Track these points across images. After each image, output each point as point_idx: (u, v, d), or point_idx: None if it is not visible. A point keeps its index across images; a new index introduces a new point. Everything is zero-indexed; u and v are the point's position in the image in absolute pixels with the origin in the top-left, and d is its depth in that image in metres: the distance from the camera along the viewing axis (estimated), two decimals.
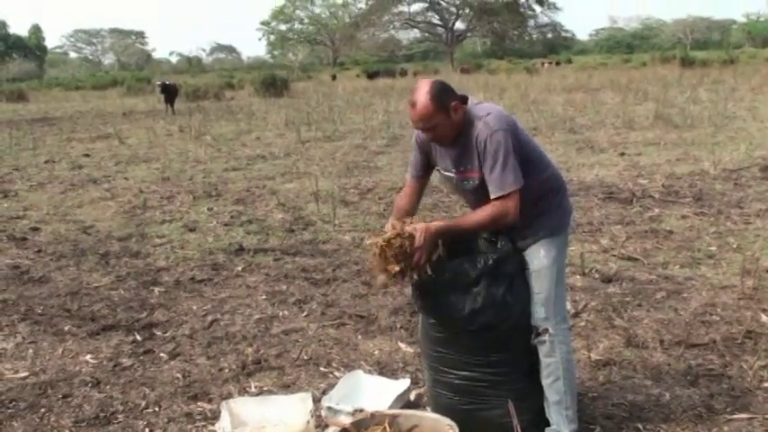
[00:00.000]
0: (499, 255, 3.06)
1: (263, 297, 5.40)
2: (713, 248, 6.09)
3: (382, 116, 17.06)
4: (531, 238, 3.12)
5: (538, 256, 3.11)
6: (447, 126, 2.99)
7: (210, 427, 3.52)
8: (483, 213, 3.00)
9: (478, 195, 3.06)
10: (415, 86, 3.01)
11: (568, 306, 4.26)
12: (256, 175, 10.61)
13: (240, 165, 11.69)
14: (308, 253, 6.51)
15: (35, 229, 7.86)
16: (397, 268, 2.92)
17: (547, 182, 3.14)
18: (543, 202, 3.12)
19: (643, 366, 3.99)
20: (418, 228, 2.95)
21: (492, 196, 2.97)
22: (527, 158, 3.02)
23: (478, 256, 3.07)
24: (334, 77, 42.22)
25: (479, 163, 2.99)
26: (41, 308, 5.33)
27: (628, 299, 5.01)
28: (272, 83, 31.31)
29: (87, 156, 13.55)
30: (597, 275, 5.52)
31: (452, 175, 3.13)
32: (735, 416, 3.45)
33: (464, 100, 3.05)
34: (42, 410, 3.80)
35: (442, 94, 2.96)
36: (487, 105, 3.07)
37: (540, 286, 3.11)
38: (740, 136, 11.71)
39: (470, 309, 3.04)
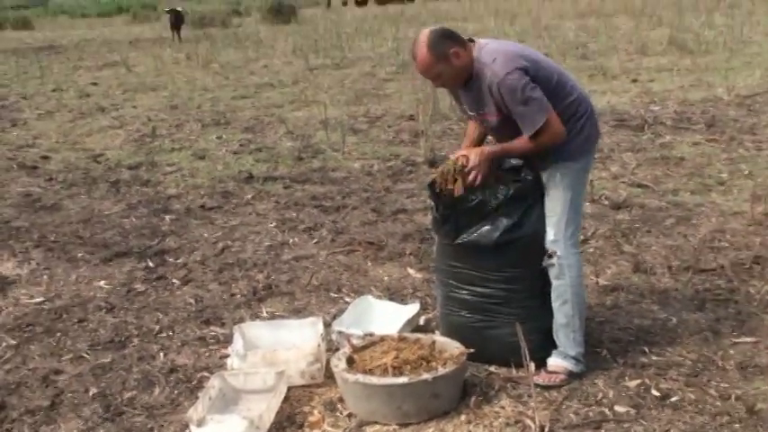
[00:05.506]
0: (520, 185, 3.16)
1: (273, 224, 5.43)
2: (724, 175, 6.04)
3: (391, 43, 16.78)
4: (550, 160, 3.13)
5: (554, 180, 3.14)
6: (451, 73, 3.07)
7: (223, 351, 3.58)
8: (530, 144, 3.06)
9: (502, 133, 3.15)
10: (416, 38, 3.07)
11: None
12: (264, 103, 10.52)
13: (248, 93, 11.57)
14: (318, 180, 6.51)
15: (45, 158, 7.88)
16: (459, 186, 3.13)
17: (569, 107, 3.12)
18: (565, 126, 3.08)
19: (650, 291, 4.02)
20: (474, 151, 3.13)
21: (526, 135, 3.02)
22: (545, 86, 3.01)
23: (500, 187, 3.16)
24: (344, 3, 41.35)
25: (495, 107, 3.04)
26: (54, 235, 5.38)
27: (637, 225, 5.01)
28: (280, 9, 30.74)
29: (95, 84, 13.44)
30: (607, 202, 5.51)
31: (473, 114, 3.21)
32: (741, 339, 3.48)
33: (465, 44, 3.06)
34: (58, 334, 3.88)
35: (439, 43, 3.01)
36: (493, 47, 3.08)
37: (552, 209, 3.14)
38: (755, 61, 11.46)
39: (489, 231, 3.16)
